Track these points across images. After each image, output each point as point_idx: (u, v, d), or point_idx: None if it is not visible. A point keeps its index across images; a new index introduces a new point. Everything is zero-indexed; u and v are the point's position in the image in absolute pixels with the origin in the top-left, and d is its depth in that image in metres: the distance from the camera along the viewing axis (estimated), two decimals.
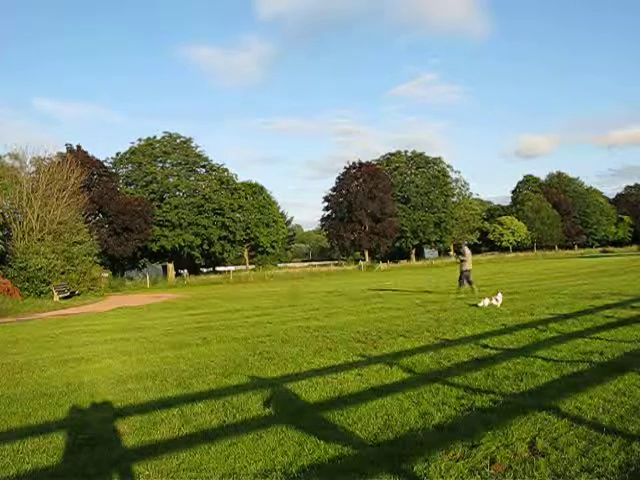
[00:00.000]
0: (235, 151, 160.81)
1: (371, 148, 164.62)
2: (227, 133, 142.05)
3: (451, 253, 72.81)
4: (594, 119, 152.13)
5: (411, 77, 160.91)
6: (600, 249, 74.42)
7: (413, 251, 71.13)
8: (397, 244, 67.84)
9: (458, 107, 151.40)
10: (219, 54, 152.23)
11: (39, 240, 27.94)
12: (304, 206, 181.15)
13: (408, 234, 68.00)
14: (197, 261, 56.76)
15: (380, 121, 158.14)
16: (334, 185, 64.72)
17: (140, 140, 55.17)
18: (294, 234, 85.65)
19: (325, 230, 67.74)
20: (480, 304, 11.84)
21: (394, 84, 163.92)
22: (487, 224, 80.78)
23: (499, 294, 12.07)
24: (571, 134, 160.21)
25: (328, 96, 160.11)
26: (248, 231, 61.17)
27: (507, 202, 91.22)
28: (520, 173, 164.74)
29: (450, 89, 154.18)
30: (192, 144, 56.36)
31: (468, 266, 15.91)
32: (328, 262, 66.21)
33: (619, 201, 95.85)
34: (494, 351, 6.85)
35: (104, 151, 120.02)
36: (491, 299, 11.89)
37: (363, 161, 64.12)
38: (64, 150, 43.11)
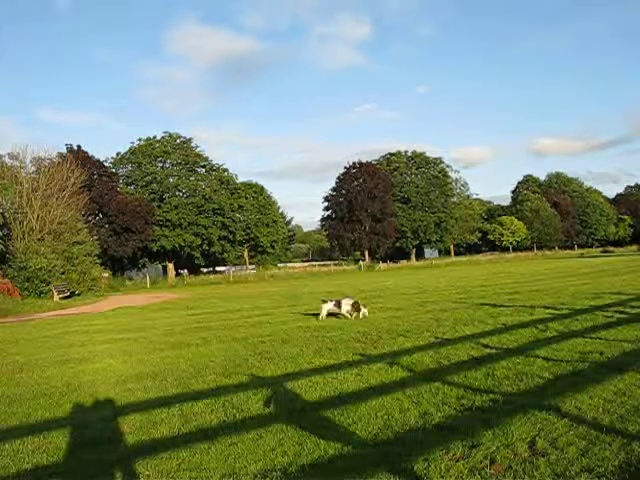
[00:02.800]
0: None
1: (334, 159, 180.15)
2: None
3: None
4: (522, 128, 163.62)
5: (352, 106, 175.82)
6: (600, 249, 74.42)
7: (413, 251, 71.15)
8: (397, 244, 67.85)
9: (398, 128, 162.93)
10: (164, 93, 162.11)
11: (39, 240, 27.94)
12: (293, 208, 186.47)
13: (408, 234, 68.00)
14: (197, 261, 56.75)
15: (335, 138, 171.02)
16: (334, 185, 64.74)
17: (140, 140, 55.22)
18: (294, 234, 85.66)
19: (325, 230, 67.72)
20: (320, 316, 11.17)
21: (338, 112, 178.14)
22: (487, 224, 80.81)
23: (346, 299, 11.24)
24: (503, 144, 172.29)
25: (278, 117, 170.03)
26: (248, 231, 61.20)
27: (507, 202, 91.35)
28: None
29: (387, 114, 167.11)
30: (192, 144, 56.42)
31: None
32: (328, 262, 66.23)
33: (619, 201, 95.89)
34: (494, 351, 6.85)
35: (104, 151, 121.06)
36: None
37: (363, 161, 64.17)
38: (64, 150, 43.18)
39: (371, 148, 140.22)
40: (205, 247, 55.05)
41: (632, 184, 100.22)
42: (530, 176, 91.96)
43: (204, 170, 57.61)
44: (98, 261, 32.95)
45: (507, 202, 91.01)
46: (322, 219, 66.71)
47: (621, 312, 9.63)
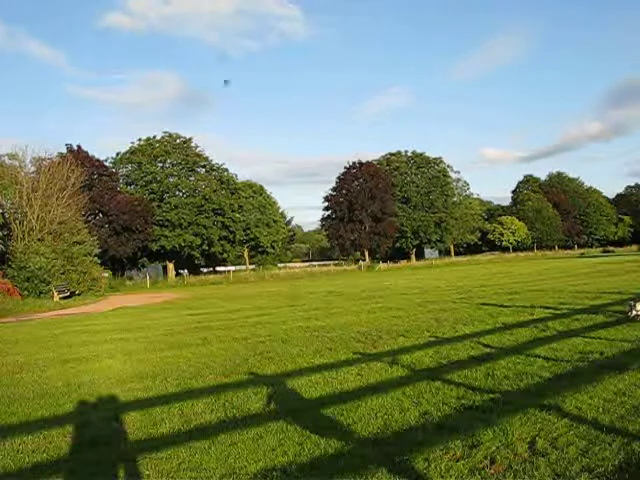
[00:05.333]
0: None
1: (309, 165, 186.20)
2: None
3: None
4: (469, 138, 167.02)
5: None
6: (600, 249, 74.38)
7: (413, 251, 71.12)
8: (397, 244, 67.81)
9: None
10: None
11: (39, 240, 27.94)
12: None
13: (408, 234, 67.97)
14: (197, 261, 56.77)
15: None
16: (334, 185, 64.71)
17: (140, 140, 55.21)
18: (294, 234, 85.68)
19: (325, 230, 67.70)
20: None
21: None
22: (487, 224, 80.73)
23: None
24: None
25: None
26: (248, 231, 61.17)
27: (507, 202, 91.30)
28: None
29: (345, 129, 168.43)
30: (192, 144, 56.40)
31: None
32: (328, 262, 66.21)
33: (619, 201, 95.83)
34: (494, 350, 6.85)
35: (104, 151, 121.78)
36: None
37: (363, 161, 64.15)
38: (64, 150, 43.19)
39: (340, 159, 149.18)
40: (205, 247, 55.03)
41: (632, 184, 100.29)
42: (530, 176, 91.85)
43: (204, 170, 57.58)
44: (98, 261, 32.95)
45: (506, 202, 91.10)
46: (322, 219, 66.71)
47: (621, 312, 9.62)
